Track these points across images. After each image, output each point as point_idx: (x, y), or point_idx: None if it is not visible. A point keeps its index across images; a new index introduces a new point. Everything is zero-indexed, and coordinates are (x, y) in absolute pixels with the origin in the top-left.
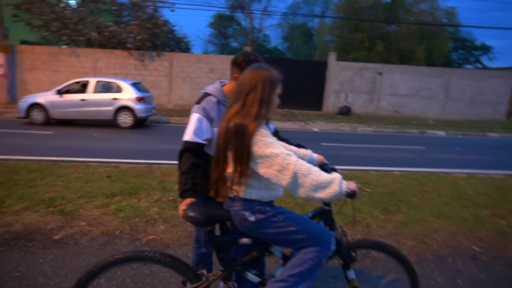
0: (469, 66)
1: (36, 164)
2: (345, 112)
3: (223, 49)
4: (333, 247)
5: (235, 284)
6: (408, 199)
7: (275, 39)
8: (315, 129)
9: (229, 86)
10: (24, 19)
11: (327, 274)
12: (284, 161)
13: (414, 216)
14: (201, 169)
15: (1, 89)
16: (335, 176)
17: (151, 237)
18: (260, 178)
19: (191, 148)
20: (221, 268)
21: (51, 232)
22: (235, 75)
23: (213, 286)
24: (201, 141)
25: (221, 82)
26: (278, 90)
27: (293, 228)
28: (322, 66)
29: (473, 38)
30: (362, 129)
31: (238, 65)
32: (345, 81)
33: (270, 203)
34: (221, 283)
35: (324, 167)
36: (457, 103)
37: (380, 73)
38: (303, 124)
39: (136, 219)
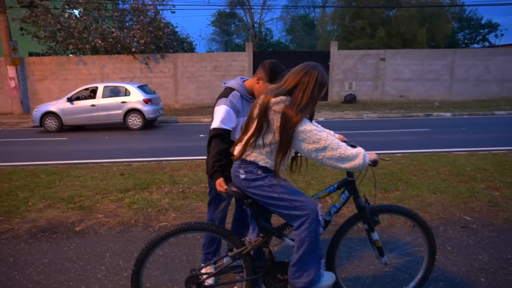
0: (476, 46)
1: (54, 168)
2: (350, 100)
3: (227, 46)
4: (321, 217)
5: (271, 250)
6: (406, 178)
7: (277, 32)
8: (321, 119)
9: (251, 82)
10: (30, 32)
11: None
12: (316, 136)
13: (410, 193)
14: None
15: (14, 101)
16: (360, 150)
17: (163, 223)
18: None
19: (219, 134)
20: (261, 235)
21: (72, 225)
22: (259, 76)
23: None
24: (229, 127)
25: (242, 78)
26: (324, 91)
27: (275, 195)
28: (324, 56)
29: (478, 16)
30: (367, 115)
31: (265, 70)
32: (348, 69)
33: (265, 169)
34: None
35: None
36: (463, 83)
37: (382, 59)
38: None
39: (149, 209)
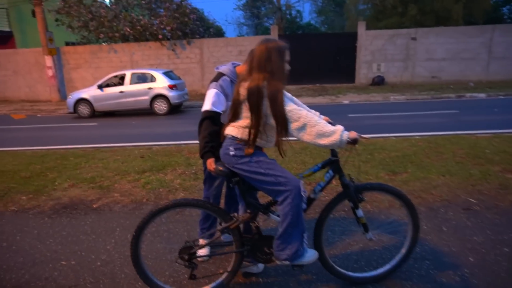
0: None
1: (82, 151)
2: (378, 82)
3: (257, 30)
4: (303, 193)
5: (258, 225)
6: (419, 160)
7: (307, 14)
8: (345, 102)
9: (241, 68)
10: (65, 23)
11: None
12: (296, 115)
13: (418, 175)
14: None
15: (52, 89)
16: (338, 127)
17: None
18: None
19: (211, 117)
20: (248, 211)
21: (91, 203)
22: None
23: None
24: (219, 110)
25: (233, 63)
26: (287, 57)
27: (262, 170)
28: (352, 37)
29: None
30: (394, 98)
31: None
32: (376, 50)
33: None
34: (224, 235)
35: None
36: (502, 61)
37: (413, 38)
38: (334, 97)
39: (161, 190)
